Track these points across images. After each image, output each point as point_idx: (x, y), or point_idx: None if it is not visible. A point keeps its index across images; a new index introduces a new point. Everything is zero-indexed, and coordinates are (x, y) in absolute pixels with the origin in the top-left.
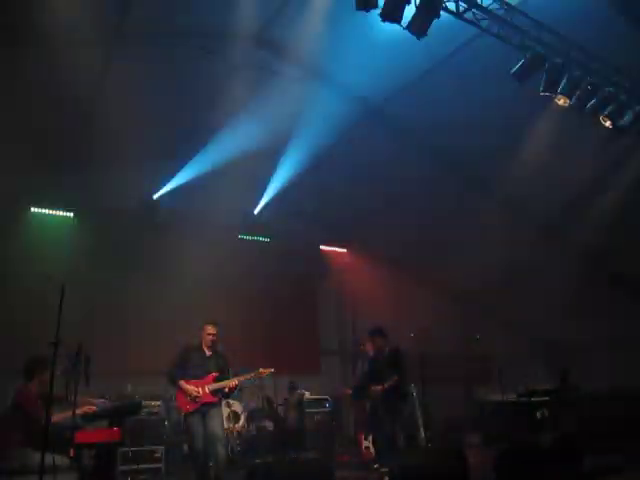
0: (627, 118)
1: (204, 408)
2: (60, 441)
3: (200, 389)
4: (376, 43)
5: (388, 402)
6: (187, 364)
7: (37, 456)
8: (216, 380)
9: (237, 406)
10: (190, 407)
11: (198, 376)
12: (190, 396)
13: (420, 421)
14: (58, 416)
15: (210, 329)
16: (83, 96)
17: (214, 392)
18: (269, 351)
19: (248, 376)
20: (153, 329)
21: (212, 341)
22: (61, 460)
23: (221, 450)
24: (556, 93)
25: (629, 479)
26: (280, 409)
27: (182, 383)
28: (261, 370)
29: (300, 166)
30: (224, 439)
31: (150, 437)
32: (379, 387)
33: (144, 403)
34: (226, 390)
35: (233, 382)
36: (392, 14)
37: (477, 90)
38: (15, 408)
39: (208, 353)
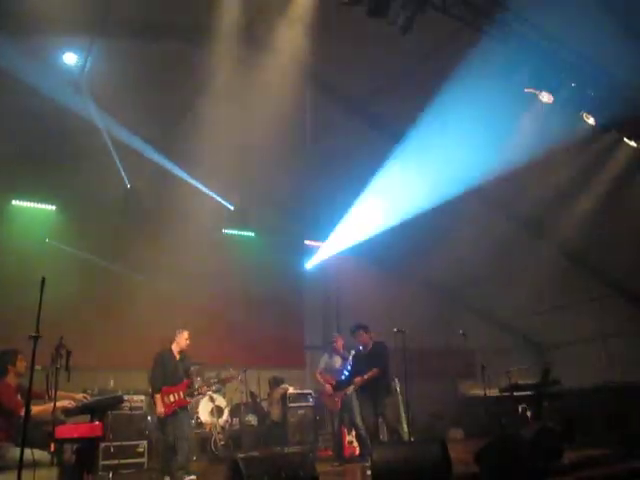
0: (609, 116)
1: (178, 411)
2: (40, 436)
3: (177, 395)
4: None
5: (368, 394)
6: (164, 370)
7: (16, 451)
8: (188, 387)
9: (220, 400)
10: (167, 410)
11: (174, 383)
12: (169, 401)
13: (403, 416)
14: (37, 409)
15: (187, 335)
16: (65, 88)
17: (186, 397)
18: (253, 346)
19: (213, 387)
20: (136, 323)
21: (188, 347)
22: (41, 455)
23: (186, 446)
24: (540, 90)
25: (608, 472)
26: (264, 404)
27: (165, 390)
28: (224, 376)
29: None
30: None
31: (133, 432)
32: (359, 379)
33: (126, 398)
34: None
35: (203, 389)
36: (378, 9)
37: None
38: None
39: (177, 357)
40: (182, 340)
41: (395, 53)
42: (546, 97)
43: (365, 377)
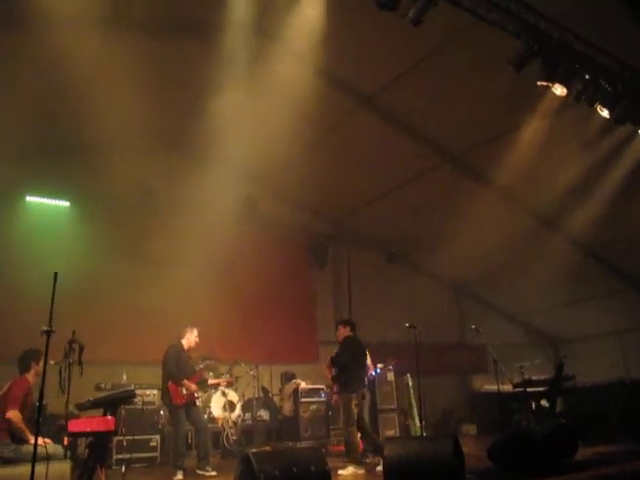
0: (624, 108)
1: (190, 402)
2: (54, 429)
3: (191, 387)
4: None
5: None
6: (180, 364)
7: (31, 445)
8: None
9: (233, 395)
10: (181, 400)
11: (189, 376)
12: (187, 391)
13: (415, 411)
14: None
15: (197, 333)
16: (78, 83)
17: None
18: (266, 341)
19: (212, 382)
20: (149, 318)
21: (197, 344)
22: (55, 449)
23: (208, 438)
24: (553, 82)
25: (623, 469)
26: (276, 399)
27: (186, 382)
28: (221, 381)
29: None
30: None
31: (146, 426)
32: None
33: (139, 392)
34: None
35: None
36: (389, 2)
37: (472, 79)
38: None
39: (187, 354)
40: (192, 337)
41: (406, 45)
42: (559, 89)
43: (327, 368)
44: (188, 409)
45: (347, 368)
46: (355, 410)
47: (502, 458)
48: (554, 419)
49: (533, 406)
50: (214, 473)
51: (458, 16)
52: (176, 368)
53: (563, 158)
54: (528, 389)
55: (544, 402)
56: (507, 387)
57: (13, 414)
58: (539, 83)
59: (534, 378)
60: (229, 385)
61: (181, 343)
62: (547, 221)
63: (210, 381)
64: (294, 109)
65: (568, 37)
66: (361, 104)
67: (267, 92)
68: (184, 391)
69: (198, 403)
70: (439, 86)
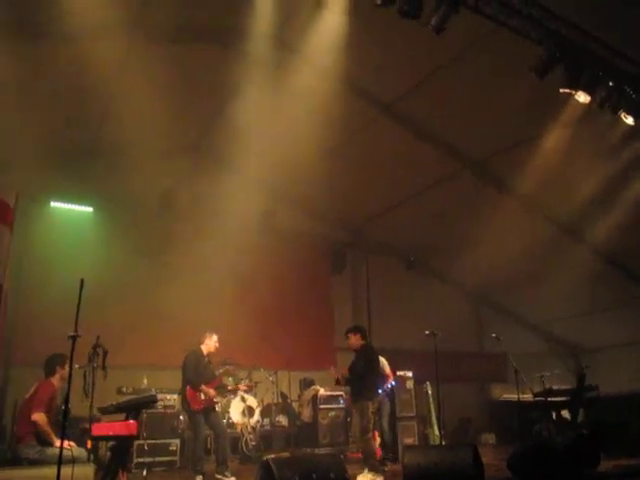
0: None
1: (209, 407)
2: (78, 433)
3: (209, 392)
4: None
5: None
6: (199, 370)
7: (55, 447)
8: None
9: (252, 401)
10: (199, 406)
11: (208, 381)
12: (205, 397)
13: (434, 419)
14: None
15: (216, 339)
16: (101, 90)
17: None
18: (284, 347)
19: (230, 387)
20: (169, 323)
21: (216, 350)
22: (79, 452)
23: (227, 443)
24: (576, 89)
25: None
26: (295, 405)
27: (204, 387)
28: (240, 386)
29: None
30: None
31: (166, 430)
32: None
33: (160, 396)
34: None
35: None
36: (411, 10)
37: (493, 86)
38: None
39: (207, 359)
40: (212, 343)
41: (427, 53)
42: (582, 97)
43: (335, 371)
44: (207, 414)
45: (363, 376)
46: (372, 417)
47: (522, 469)
48: (575, 430)
49: (554, 416)
50: (233, 478)
51: (479, 23)
52: (194, 374)
53: (585, 166)
54: (549, 399)
55: (565, 412)
56: (527, 396)
57: (39, 417)
58: (562, 90)
59: (555, 388)
60: (248, 390)
61: (201, 349)
62: (568, 229)
63: (229, 387)
64: (314, 117)
65: (591, 43)
66: (381, 111)
67: (287, 100)
68: (202, 396)
69: (217, 408)
70: (460, 93)
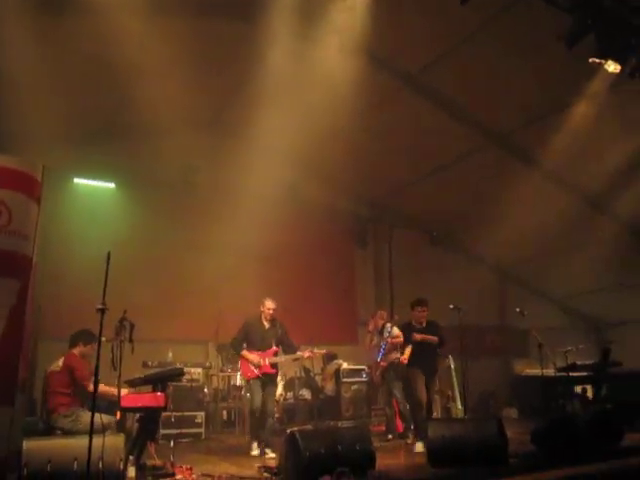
0: None
1: (264, 377)
2: (107, 404)
3: (262, 360)
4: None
5: (421, 368)
6: (249, 337)
7: (88, 416)
8: (276, 354)
9: None
10: (252, 374)
11: (261, 348)
12: (253, 364)
13: (457, 392)
14: (104, 388)
15: (269, 304)
16: (124, 66)
17: (273, 365)
18: (307, 322)
19: (293, 357)
20: (194, 297)
21: (271, 315)
22: (109, 420)
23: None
24: (606, 59)
25: None
26: (317, 378)
27: (245, 353)
28: (306, 355)
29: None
30: (273, 410)
31: (192, 403)
32: (419, 335)
33: (185, 370)
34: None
35: (294, 357)
36: None
37: (519, 57)
38: (64, 370)
39: (267, 326)
40: (264, 308)
41: (451, 23)
42: (612, 66)
43: (425, 336)
44: (264, 384)
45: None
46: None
47: (546, 442)
48: (599, 404)
49: (577, 391)
50: (273, 455)
51: None
52: (237, 339)
53: (613, 138)
54: (572, 374)
55: (589, 387)
56: (549, 371)
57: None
58: (591, 60)
59: (579, 363)
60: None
61: (259, 317)
62: (594, 202)
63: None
64: (337, 89)
65: (624, 9)
66: (405, 84)
67: (310, 72)
68: (251, 366)
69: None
70: (485, 64)
